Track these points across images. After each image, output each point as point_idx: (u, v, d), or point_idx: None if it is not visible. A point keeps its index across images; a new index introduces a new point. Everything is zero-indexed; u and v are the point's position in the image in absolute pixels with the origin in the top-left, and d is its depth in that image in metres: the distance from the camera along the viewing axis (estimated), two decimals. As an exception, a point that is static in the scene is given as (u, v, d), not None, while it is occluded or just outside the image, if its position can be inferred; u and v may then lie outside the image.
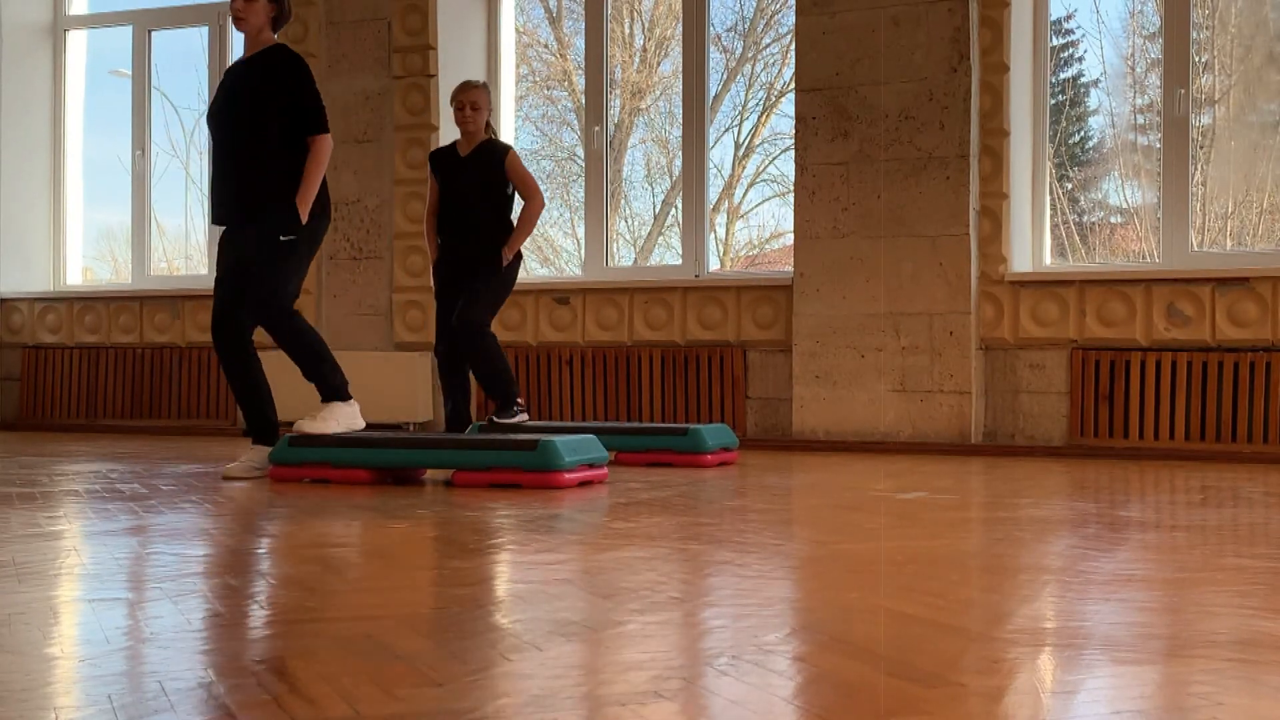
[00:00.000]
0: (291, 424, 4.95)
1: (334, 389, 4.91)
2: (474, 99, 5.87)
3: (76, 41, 9.02)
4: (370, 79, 7.68)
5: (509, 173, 5.84)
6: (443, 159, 5.97)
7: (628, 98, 8.53)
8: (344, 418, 4.89)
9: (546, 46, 8.89)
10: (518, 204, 5.98)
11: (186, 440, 7.43)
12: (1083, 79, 7.46)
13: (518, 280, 6.04)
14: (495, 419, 5.66)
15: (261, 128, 4.87)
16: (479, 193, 5.84)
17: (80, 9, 9.01)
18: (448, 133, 7.66)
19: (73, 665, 1.90)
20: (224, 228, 5.04)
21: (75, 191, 9.02)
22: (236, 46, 8.60)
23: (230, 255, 4.96)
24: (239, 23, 4.96)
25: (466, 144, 5.90)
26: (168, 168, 9.00)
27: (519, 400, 5.75)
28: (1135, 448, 6.24)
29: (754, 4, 8.42)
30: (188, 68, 8.85)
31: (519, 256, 5.90)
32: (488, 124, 5.96)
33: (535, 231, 6.42)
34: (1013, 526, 3.51)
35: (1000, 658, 1.93)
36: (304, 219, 4.85)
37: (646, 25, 8.88)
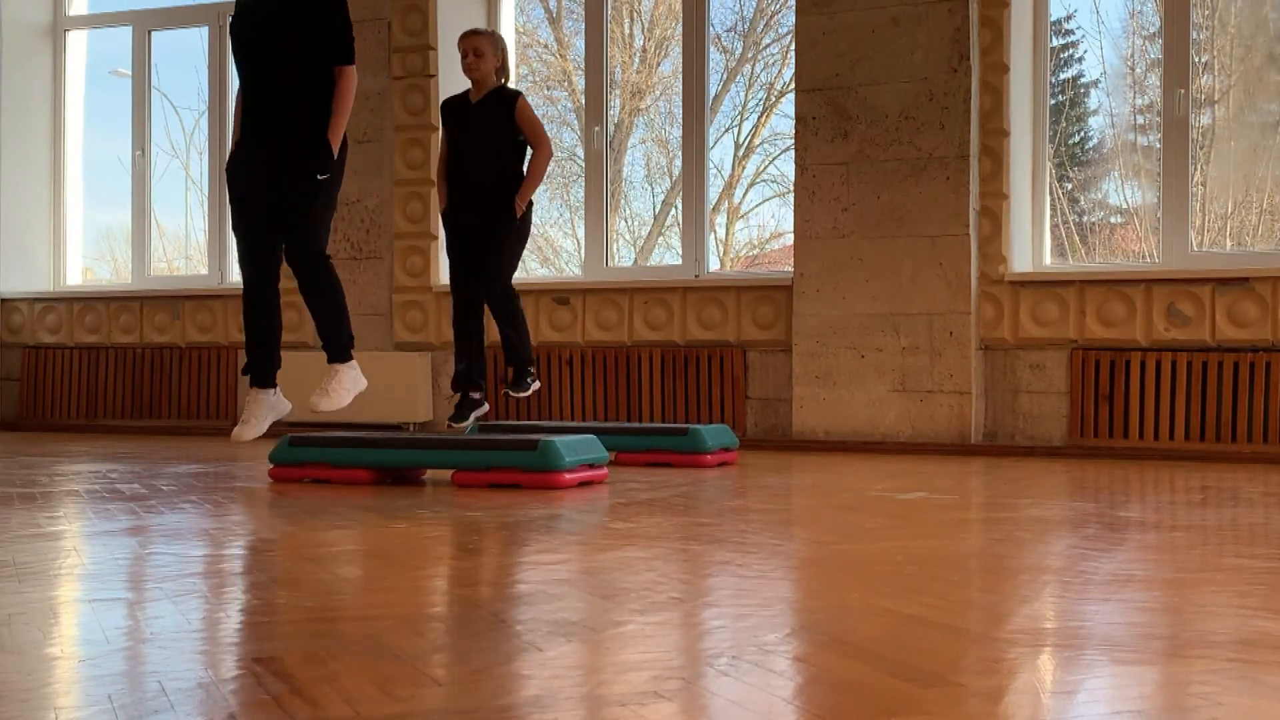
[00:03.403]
0: (299, 425, 4.94)
1: (343, 350, 4.77)
2: (476, 45, 5.74)
3: (76, 41, 9.02)
4: (370, 79, 7.68)
5: (519, 119, 5.67)
6: (453, 107, 5.80)
7: (627, 98, 8.54)
8: (350, 382, 4.76)
9: (546, 46, 8.90)
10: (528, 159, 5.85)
11: (186, 440, 7.43)
12: (1083, 79, 7.47)
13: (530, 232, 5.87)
14: (511, 393, 5.64)
15: (293, 59, 4.71)
16: (490, 141, 5.70)
17: (80, 9, 9.01)
18: (448, 133, 7.67)
19: (73, 665, 1.90)
20: (241, 153, 4.82)
21: (75, 191, 9.02)
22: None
23: (252, 181, 4.75)
24: None
25: (476, 91, 5.81)
26: (168, 168, 9.01)
27: (531, 369, 5.70)
28: (1135, 448, 6.24)
29: (754, 4, 8.43)
30: (188, 68, 8.86)
31: (530, 207, 5.74)
32: (502, 71, 5.79)
33: (535, 231, 6.36)
34: (1013, 527, 3.51)
35: (1000, 658, 1.93)
36: (334, 154, 4.72)
37: (646, 25, 8.88)
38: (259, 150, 4.79)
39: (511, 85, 5.87)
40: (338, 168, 4.79)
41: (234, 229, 4.84)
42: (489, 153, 5.71)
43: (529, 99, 5.86)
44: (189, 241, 9.22)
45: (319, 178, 4.71)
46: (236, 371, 8.05)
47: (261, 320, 4.78)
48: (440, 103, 5.96)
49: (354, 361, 4.83)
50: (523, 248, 5.79)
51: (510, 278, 5.67)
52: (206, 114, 8.63)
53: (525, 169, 5.73)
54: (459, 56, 5.76)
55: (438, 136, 7.64)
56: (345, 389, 4.75)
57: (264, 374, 4.79)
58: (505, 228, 5.67)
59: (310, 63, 4.75)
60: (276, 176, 4.73)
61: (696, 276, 7.36)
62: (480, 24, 7.95)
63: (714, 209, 7.93)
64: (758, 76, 8.66)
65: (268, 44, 4.78)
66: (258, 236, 4.76)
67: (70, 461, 5.76)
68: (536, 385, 5.70)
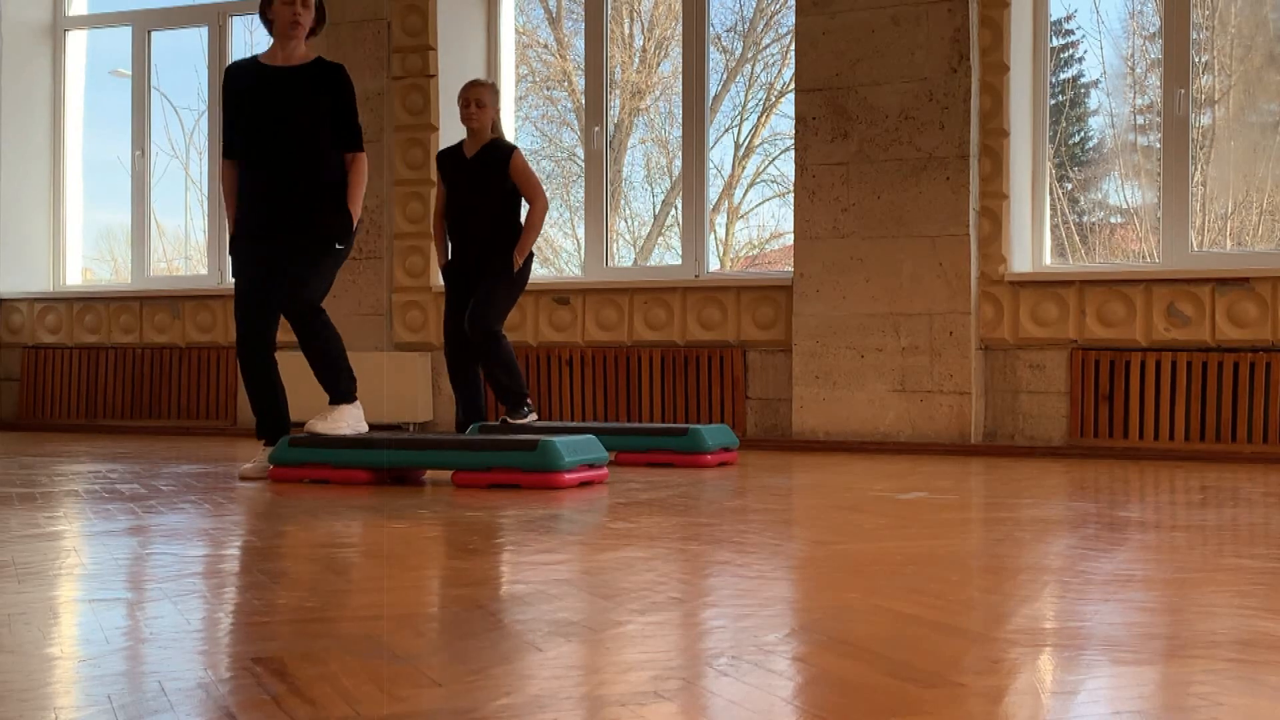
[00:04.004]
0: (301, 424, 4.95)
1: (344, 393, 4.92)
2: (478, 96, 5.83)
3: (76, 41, 9.02)
4: (370, 79, 7.68)
5: (513, 173, 5.80)
6: (449, 159, 5.94)
7: (627, 98, 8.54)
8: (352, 420, 4.91)
9: (546, 47, 8.90)
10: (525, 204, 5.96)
11: (186, 440, 7.43)
12: (1083, 79, 7.47)
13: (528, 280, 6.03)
14: (509, 420, 5.71)
15: (315, 139, 4.87)
16: (484, 193, 5.81)
17: (80, 9, 9.02)
18: (447, 133, 7.67)
19: (73, 665, 1.90)
20: (250, 237, 4.92)
21: (75, 191, 9.02)
22: (237, 46, 8.61)
23: (260, 266, 4.87)
24: (295, 28, 4.88)
25: (473, 143, 5.88)
26: (167, 168, 9.02)
27: (528, 401, 5.79)
28: (1135, 448, 6.24)
29: (754, 4, 8.43)
30: (187, 68, 8.86)
31: (530, 258, 5.88)
32: (495, 124, 5.94)
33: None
34: (1013, 527, 3.51)
35: (1000, 658, 1.93)
36: (355, 224, 4.90)
37: (646, 25, 8.88)
38: (269, 233, 4.90)
39: (506, 135, 5.94)
40: (350, 242, 4.94)
41: (235, 309, 4.97)
42: (484, 206, 5.81)
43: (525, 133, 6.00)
44: (189, 241, 9.23)
45: (337, 245, 4.88)
46: (236, 371, 8.05)
47: (264, 390, 4.96)
48: (435, 154, 6.04)
49: (357, 403, 4.99)
50: (515, 297, 5.89)
51: (496, 320, 5.76)
52: (206, 114, 8.63)
53: (522, 220, 5.83)
54: (459, 106, 5.89)
55: (437, 137, 7.65)
56: (344, 423, 4.90)
57: (274, 433, 4.98)
58: (501, 275, 5.76)
59: (322, 143, 4.88)
60: (288, 250, 4.85)
61: (696, 276, 7.36)
62: (480, 25, 7.96)
63: (714, 209, 7.93)
64: (758, 76, 8.67)
65: (280, 125, 4.87)
66: (258, 323, 4.89)
67: (70, 461, 5.76)
68: (533, 416, 5.79)
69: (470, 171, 5.84)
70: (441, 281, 6.09)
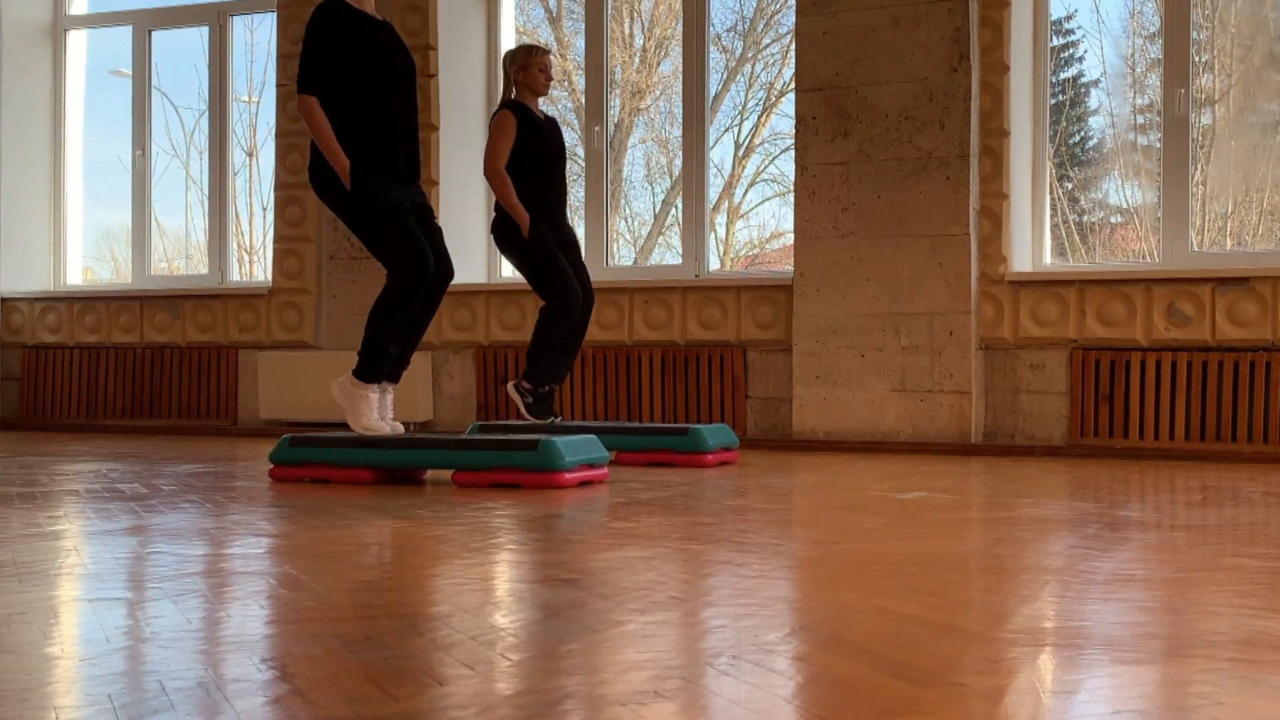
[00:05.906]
0: (299, 425, 4.94)
1: (358, 365, 4.84)
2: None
3: (76, 41, 9.02)
4: (370, 79, 7.67)
5: None
6: (531, 118, 5.85)
7: (628, 97, 8.53)
8: (347, 400, 4.83)
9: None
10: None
11: (186, 440, 7.43)
12: (1083, 79, 7.47)
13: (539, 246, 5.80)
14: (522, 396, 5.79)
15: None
16: (564, 167, 5.99)
17: (80, 9, 9.02)
18: (447, 132, 7.67)
19: (73, 665, 1.90)
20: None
21: (75, 191, 9.02)
22: (237, 46, 8.61)
23: None
24: None
25: (538, 111, 5.91)
26: (168, 168, 9.02)
27: (526, 384, 5.76)
28: (1135, 448, 6.24)
29: (754, 4, 8.43)
30: (188, 68, 8.86)
31: (531, 228, 5.72)
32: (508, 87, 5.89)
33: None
34: (1013, 526, 3.51)
35: (1000, 658, 1.93)
36: (347, 185, 4.71)
37: (646, 25, 8.88)
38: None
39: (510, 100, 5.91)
40: (350, 195, 4.74)
41: None
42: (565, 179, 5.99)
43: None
44: (189, 241, 9.23)
45: (345, 205, 4.78)
46: (236, 371, 8.05)
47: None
48: (508, 104, 5.79)
49: (366, 393, 4.83)
50: (529, 262, 5.73)
51: (540, 291, 5.74)
52: (206, 114, 8.62)
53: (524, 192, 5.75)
54: (541, 72, 5.78)
55: (438, 137, 7.65)
56: (342, 397, 4.87)
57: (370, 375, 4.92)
58: (518, 252, 5.81)
59: (330, 97, 4.78)
60: None
61: (696, 276, 7.36)
62: (480, 25, 7.96)
63: (714, 209, 7.93)
64: (758, 76, 8.66)
65: None
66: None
67: (70, 461, 5.76)
68: (519, 399, 5.70)
69: (558, 141, 5.88)
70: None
